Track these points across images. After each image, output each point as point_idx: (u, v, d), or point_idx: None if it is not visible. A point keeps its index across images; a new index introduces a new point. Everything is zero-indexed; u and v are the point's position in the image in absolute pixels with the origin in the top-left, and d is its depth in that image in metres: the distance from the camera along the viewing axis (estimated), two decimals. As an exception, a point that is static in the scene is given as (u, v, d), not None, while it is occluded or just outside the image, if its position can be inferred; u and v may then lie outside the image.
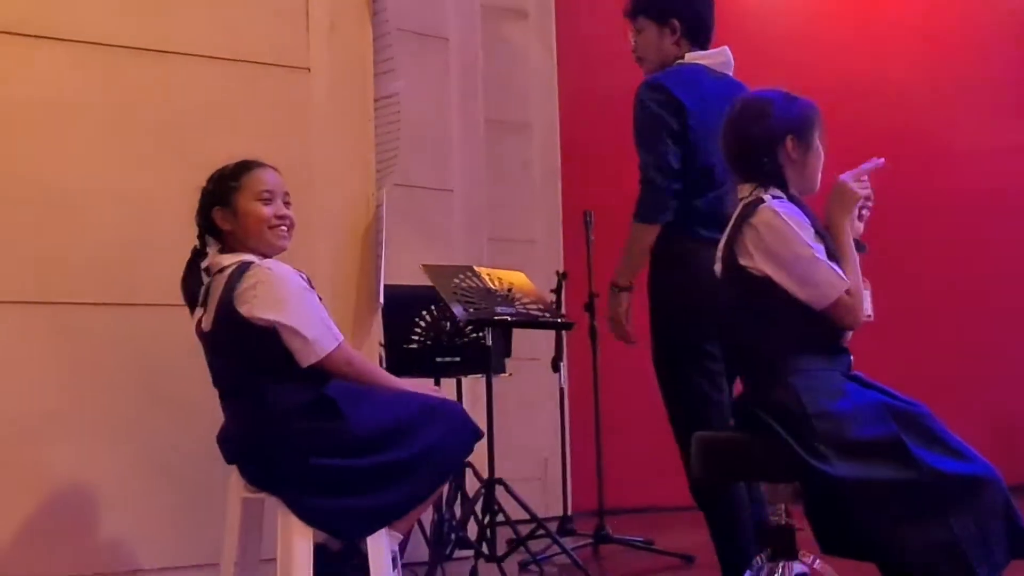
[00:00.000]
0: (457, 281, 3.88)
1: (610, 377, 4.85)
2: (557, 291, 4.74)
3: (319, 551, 2.75)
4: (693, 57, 3.27)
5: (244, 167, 2.81)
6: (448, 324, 4.13)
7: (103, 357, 3.07)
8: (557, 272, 4.84)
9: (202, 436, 2.82)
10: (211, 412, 2.79)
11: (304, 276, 2.77)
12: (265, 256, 2.75)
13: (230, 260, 2.74)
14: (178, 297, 3.09)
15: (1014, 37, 6.71)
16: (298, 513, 2.66)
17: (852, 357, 2.57)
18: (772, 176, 2.58)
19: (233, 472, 2.78)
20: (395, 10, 4.75)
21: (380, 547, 2.73)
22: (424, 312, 4.18)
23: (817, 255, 2.47)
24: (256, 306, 2.64)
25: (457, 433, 2.84)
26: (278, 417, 2.66)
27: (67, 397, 3.01)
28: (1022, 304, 6.43)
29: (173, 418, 3.10)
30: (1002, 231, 6.48)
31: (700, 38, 3.33)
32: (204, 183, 2.82)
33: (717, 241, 2.68)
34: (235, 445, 2.74)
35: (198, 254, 2.80)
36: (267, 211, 2.76)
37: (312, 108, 3.38)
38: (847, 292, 2.47)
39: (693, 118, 3.13)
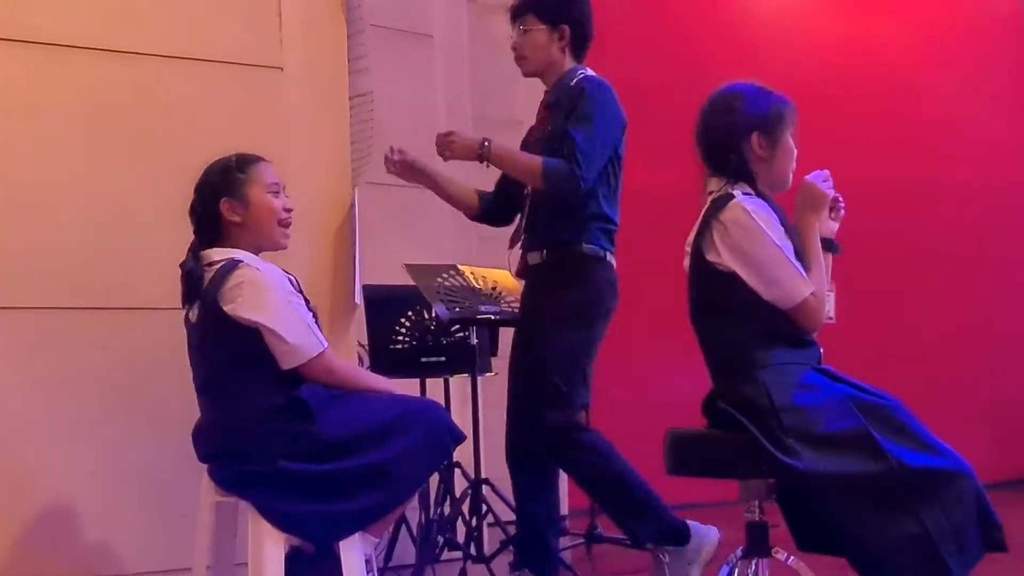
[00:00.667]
0: (440, 280, 3.84)
1: (599, 375, 4.80)
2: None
3: (293, 555, 2.73)
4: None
5: (248, 159, 2.80)
6: (433, 324, 4.10)
7: (74, 362, 3.05)
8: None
9: (177, 441, 2.80)
10: (186, 416, 2.76)
11: (293, 279, 2.76)
12: (262, 250, 2.75)
13: (220, 255, 2.72)
14: (149, 301, 3.10)
15: (1017, 32, 6.67)
16: (268, 517, 2.63)
17: (821, 350, 2.54)
18: (739, 172, 2.55)
19: (204, 476, 2.76)
20: (377, 7, 4.74)
21: (353, 551, 2.69)
22: (409, 312, 4.14)
23: (785, 255, 2.43)
24: (240, 305, 2.62)
25: (434, 437, 2.79)
26: (249, 417, 2.64)
27: (37, 403, 2.99)
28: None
29: (147, 422, 3.08)
30: (1006, 225, 6.45)
31: (583, 50, 3.42)
32: (187, 184, 2.78)
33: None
34: (208, 443, 2.71)
35: (195, 248, 2.77)
36: (278, 203, 2.76)
37: (285, 108, 3.35)
38: (811, 295, 2.44)
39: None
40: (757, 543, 2.48)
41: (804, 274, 2.45)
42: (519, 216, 3.43)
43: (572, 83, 3.33)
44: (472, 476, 4.07)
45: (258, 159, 2.81)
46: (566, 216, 3.24)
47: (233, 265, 2.67)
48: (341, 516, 2.66)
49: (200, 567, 2.78)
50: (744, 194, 2.52)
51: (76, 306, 3.08)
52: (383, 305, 4.17)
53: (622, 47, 6.02)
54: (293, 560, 2.71)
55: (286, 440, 2.63)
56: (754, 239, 2.44)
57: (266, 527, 2.63)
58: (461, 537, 4.14)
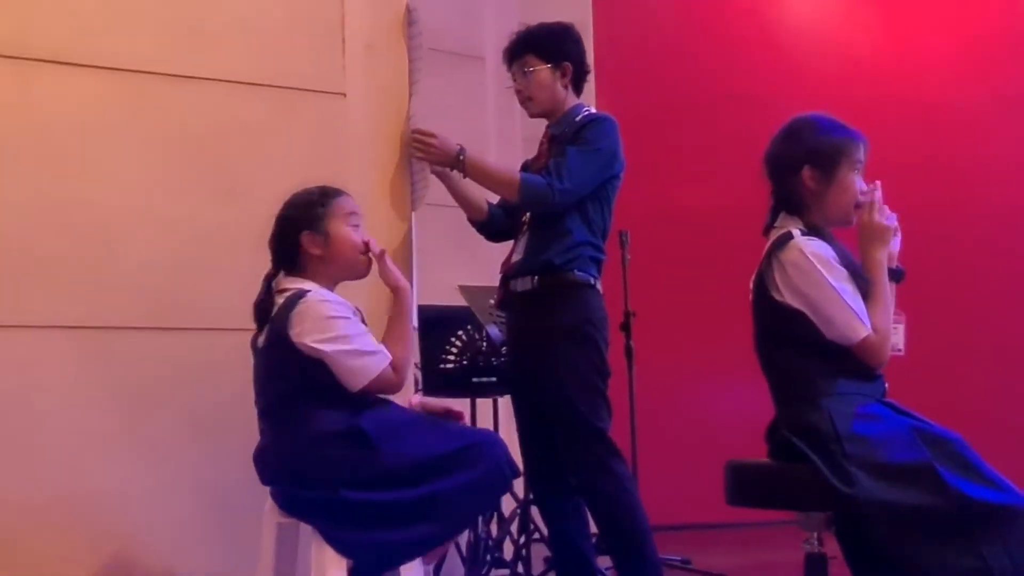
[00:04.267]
0: (492, 302, 3.89)
1: (646, 395, 4.84)
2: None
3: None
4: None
5: (328, 193, 2.86)
6: (484, 344, 4.15)
7: (142, 381, 3.10)
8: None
9: (242, 461, 2.84)
10: (251, 436, 2.81)
11: (357, 309, 2.82)
12: (340, 281, 2.83)
13: (291, 284, 2.79)
14: (218, 321, 3.16)
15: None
16: (332, 543, 2.67)
17: (887, 385, 2.56)
18: (791, 204, 2.57)
19: (268, 498, 2.81)
20: (430, 30, 4.80)
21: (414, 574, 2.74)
22: (460, 332, 4.20)
23: (841, 296, 2.45)
24: (305, 334, 2.68)
25: (495, 473, 2.81)
26: (312, 444, 2.68)
27: (104, 422, 3.05)
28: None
29: (213, 442, 3.12)
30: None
31: (581, 84, 3.49)
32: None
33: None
34: (270, 467, 2.77)
35: (271, 277, 2.84)
36: (356, 236, 2.83)
37: (348, 133, 3.39)
38: (873, 333, 2.45)
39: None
40: (816, 574, 2.50)
41: (862, 314, 2.45)
42: (515, 241, 3.47)
43: (577, 118, 3.40)
44: (521, 496, 4.12)
45: (339, 192, 2.86)
46: (559, 242, 3.29)
47: (300, 295, 2.73)
48: (398, 545, 2.69)
49: (263, 585, 2.83)
50: (803, 233, 2.53)
51: (145, 326, 3.13)
52: (435, 325, 4.22)
53: (660, 71, 6.11)
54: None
55: (348, 467, 2.68)
56: (810, 280, 2.46)
57: (330, 552, 2.66)
58: (509, 555, 4.19)
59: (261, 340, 2.78)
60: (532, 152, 3.64)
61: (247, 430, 2.82)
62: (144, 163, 3.19)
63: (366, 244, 2.84)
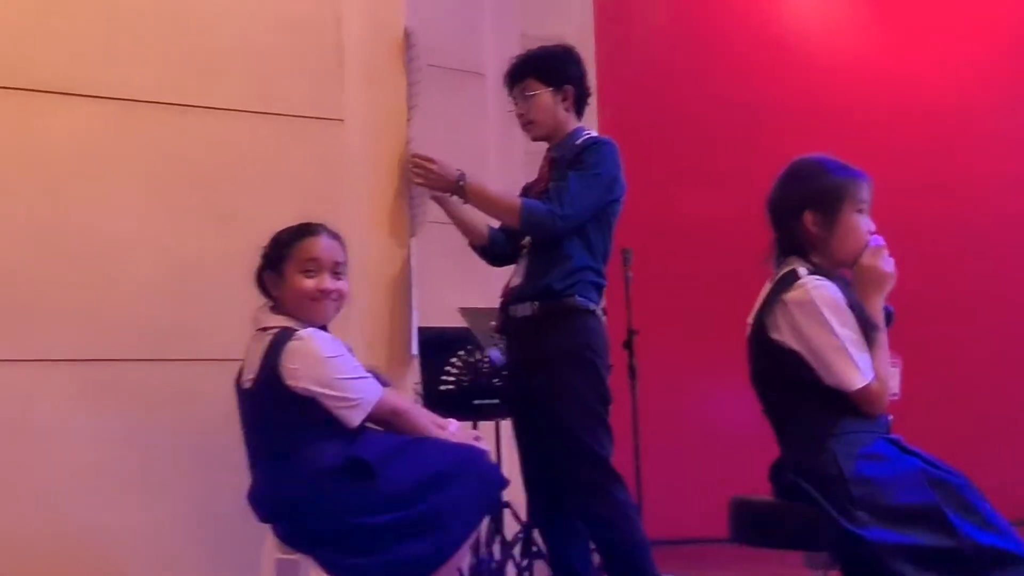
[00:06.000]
0: (493, 324, 3.86)
1: (649, 412, 4.82)
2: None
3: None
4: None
5: (298, 234, 2.82)
6: (485, 366, 4.13)
7: (138, 414, 3.08)
8: (595, 309, 4.81)
9: (238, 494, 2.83)
10: (248, 470, 2.80)
11: (346, 346, 2.80)
12: (306, 323, 2.76)
13: (274, 322, 2.77)
14: (215, 352, 3.14)
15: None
16: (332, 572, 2.66)
17: (891, 418, 2.53)
18: (792, 246, 2.54)
19: (268, 533, 2.80)
20: (430, 47, 4.77)
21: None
22: (461, 353, 4.18)
23: (843, 343, 2.41)
24: (301, 379, 2.66)
25: (485, 484, 2.84)
26: (311, 480, 2.67)
27: (101, 454, 3.03)
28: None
29: (211, 474, 3.11)
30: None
31: (582, 107, 3.48)
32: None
33: None
34: (268, 505, 2.75)
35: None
36: (308, 284, 2.76)
37: (346, 159, 3.38)
38: (873, 382, 2.42)
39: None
40: (821, 614, 2.48)
41: (863, 363, 2.42)
42: (515, 266, 3.45)
43: (578, 142, 3.38)
44: (524, 519, 4.09)
45: (311, 232, 2.81)
46: (559, 267, 3.27)
47: (287, 336, 2.70)
48: (400, 564, 2.68)
49: (263, 622, 2.82)
50: (810, 273, 2.50)
51: (142, 358, 3.11)
52: (434, 347, 4.20)
53: (665, 86, 6.07)
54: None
55: (352, 499, 2.66)
56: (813, 324, 2.42)
57: (335, 582, 2.67)
58: (511, 577, 4.18)
59: (248, 380, 2.75)
60: (533, 168, 3.62)
61: (245, 465, 2.80)
62: (143, 192, 3.17)
63: (321, 291, 2.77)
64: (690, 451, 5.55)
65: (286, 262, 2.79)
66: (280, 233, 2.84)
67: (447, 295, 4.21)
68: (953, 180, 6.25)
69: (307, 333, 2.72)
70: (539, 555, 4.14)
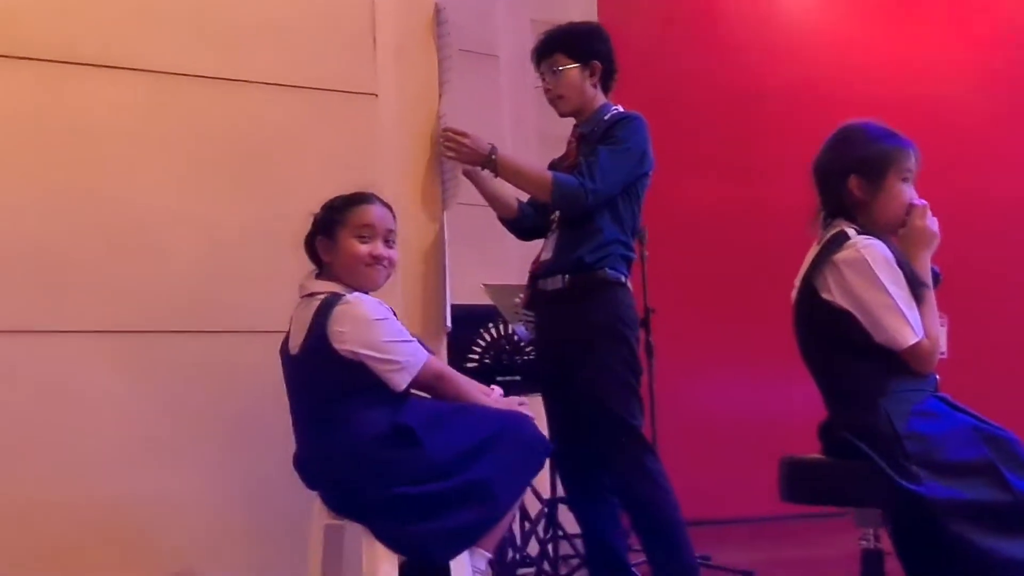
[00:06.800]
0: (518, 300, 3.88)
1: (666, 391, 4.85)
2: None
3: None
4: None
5: (352, 200, 2.85)
6: (507, 343, 4.15)
7: (178, 386, 3.08)
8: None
9: (284, 463, 2.84)
10: (288, 439, 2.81)
11: (391, 309, 2.81)
12: (356, 289, 2.78)
13: (322, 287, 2.79)
14: (254, 324, 3.15)
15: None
16: (384, 540, 2.67)
17: (938, 377, 2.57)
18: (837, 209, 2.57)
19: (316, 499, 2.81)
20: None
21: (463, 569, 2.74)
22: (483, 331, 4.20)
23: (895, 300, 2.44)
24: (348, 342, 2.67)
25: (529, 450, 2.85)
26: (358, 447, 2.68)
27: (141, 426, 3.03)
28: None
29: (256, 444, 3.11)
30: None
31: (611, 83, 3.50)
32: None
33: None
34: (316, 472, 2.77)
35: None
36: (363, 249, 2.80)
37: (379, 133, 3.39)
38: (924, 339, 2.46)
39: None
40: (873, 570, 2.51)
41: (914, 320, 2.45)
42: (545, 240, 3.47)
43: (606, 117, 3.41)
44: (547, 495, 4.12)
45: (365, 200, 2.85)
46: (590, 241, 3.30)
47: (335, 300, 2.72)
48: (452, 532, 2.70)
49: (311, 588, 2.83)
50: (860, 233, 2.53)
51: (181, 329, 3.11)
52: (459, 324, 4.21)
53: (670, 68, 6.11)
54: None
55: (398, 466, 2.68)
56: (865, 281, 2.45)
57: (381, 549, 2.67)
58: (535, 553, 4.19)
59: (293, 346, 2.77)
60: (547, 149, 3.64)
61: (284, 433, 2.81)
62: (178, 165, 3.18)
63: (374, 257, 2.81)
64: (707, 429, 5.58)
65: (340, 227, 2.81)
66: (334, 200, 2.86)
67: (466, 273, 4.23)
68: (946, 165, 6.31)
69: (354, 297, 2.73)
70: (563, 536, 4.16)
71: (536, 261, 3.48)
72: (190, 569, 3.04)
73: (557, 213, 3.43)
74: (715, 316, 5.56)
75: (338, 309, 2.70)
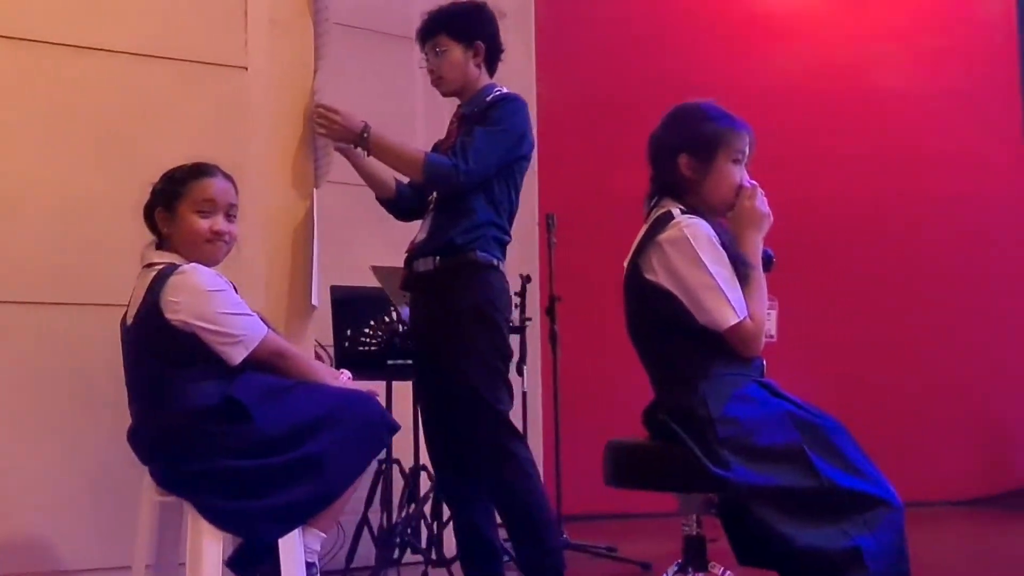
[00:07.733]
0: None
1: (570, 380, 4.80)
2: (521, 294, 4.69)
3: (237, 555, 2.71)
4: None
5: (193, 173, 2.79)
6: (401, 326, 4.10)
7: (20, 356, 3.04)
8: (520, 275, 4.79)
9: (123, 438, 2.78)
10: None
11: (227, 281, 2.75)
12: (196, 262, 2.73)
13: (160, 259, 2.74)
14: (109, 297, 3.09)
15: (1008, 42, 6.65)
16: (207, 516, 2.63)
17: (764, 362, 2.52)
18: (666, 187, 2.54)
19: (145, 475, 2.76)
20: (358, 9, 4.74)
21: (291, 549, 2.69)
22: (374, 313, 4.15)
23: (716, 280, 2.40)
24: (181, 312, 2.63)
25: (368, 428, 2.80)
26: (187, 419, 2.64)
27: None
28: (1015, 307, 6.36)
29: (99, 419, 3.08)
30: (991, 236, 6.42)
31: (495, 64, 3.45)
32: (149, 181, 2.80)
33: None
34: (145, 445, 2.72)
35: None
36: (203, 224, 2.74)
37: (249, 107, 3.34)
38: (748, 320, 2.41)
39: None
40: (694, 557, 2.47)
41: (735, 301, 2.41)
42: (422, 222, 3.43)
43: (488, 98, 3.36)
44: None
45: (207, 173, 2.79)
46: (462, 222, 3.25)
47: (170, 271, 2.67)
48: (278, 510, 2.65)
49: (139, 565, 2.77)
50: (684, 213, 2.49)
51: (28, 300, 3.07)
52: (351, 306, 4.17)
53: (603, 55, 6.08)
54: (236, 560, 2.70)
55: (225, 439, 2.63)
56: (686, 261, 2.41)
57: (204, 525, 2.63)
58: (424, 542, 4.14)
59: (130, 316, 2.72)
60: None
61: (123, 407, 2.76)
62: (42, 135, 3.14)
63: (215, 232, 2.75)
64: (611, 419, 5.51)
65: (180, 200, 2.75)
66: (174, 170, 2.80)
67: (360, 255, 4.18)
68: (889, 158, 6.29)
69: (190, 267, 2.69)
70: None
71: (412, 243, 3.43)
72: (26, 542, 3.00)
73: (435, 194, 3.38)
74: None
75: (173, 279, 2.66)
